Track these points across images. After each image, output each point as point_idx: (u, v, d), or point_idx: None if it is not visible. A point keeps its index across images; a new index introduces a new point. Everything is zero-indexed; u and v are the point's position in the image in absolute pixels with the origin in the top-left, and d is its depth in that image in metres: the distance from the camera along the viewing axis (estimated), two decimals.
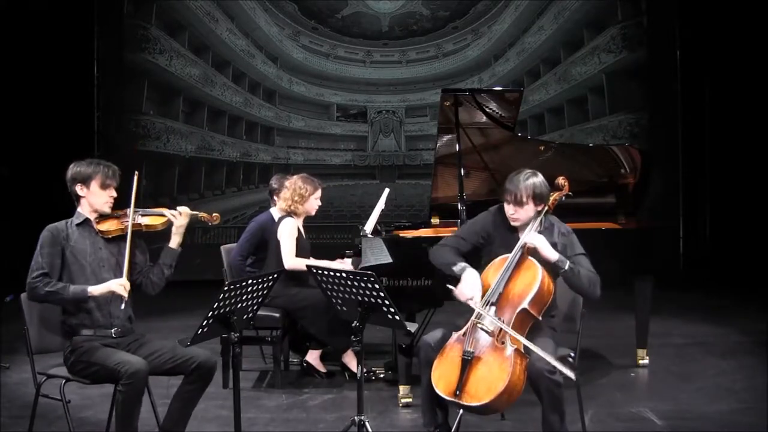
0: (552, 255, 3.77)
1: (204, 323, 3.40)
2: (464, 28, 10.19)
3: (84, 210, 3.85)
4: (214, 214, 4.06)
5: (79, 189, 3.83)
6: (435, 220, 5.62)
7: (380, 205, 5.66)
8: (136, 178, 3.91)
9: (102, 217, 3.87)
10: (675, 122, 9.76)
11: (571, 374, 3.53)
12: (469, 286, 3.77)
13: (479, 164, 5.51)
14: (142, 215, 3.88)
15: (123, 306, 3.70)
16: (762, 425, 4.39)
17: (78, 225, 3.82)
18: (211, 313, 3.40)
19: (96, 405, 4.67)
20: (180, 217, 3.89)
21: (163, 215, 3.90)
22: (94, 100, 9.68)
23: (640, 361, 5.61)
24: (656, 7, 9.85)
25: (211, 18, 10.01)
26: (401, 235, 5.43)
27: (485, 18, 10.16)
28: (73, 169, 3.86)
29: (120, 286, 3.67)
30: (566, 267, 3.77)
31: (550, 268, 3.80)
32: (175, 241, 3.91)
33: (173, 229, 3.90)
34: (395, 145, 10.29)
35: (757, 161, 8.80)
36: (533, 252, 3.79)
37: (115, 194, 3.87)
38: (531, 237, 3.80)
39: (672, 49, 9.74)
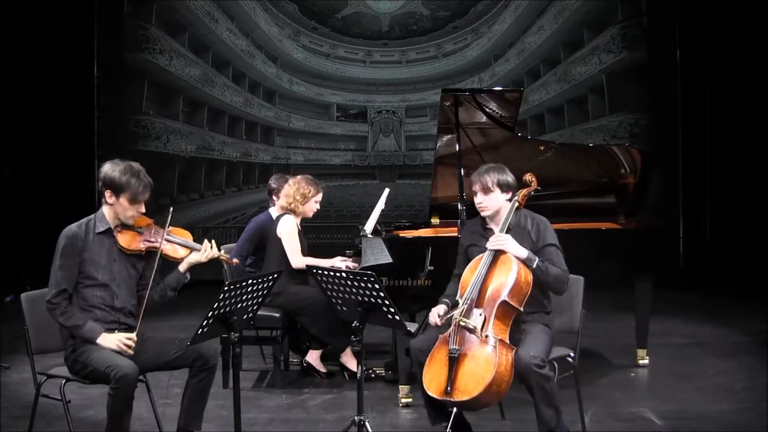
0: (521, 253, 3.83)
1: (204, 323, 3.40)
2: (464, 28, 10.19)
3: (108, 215, 3.76)
4: (234, 260, 3.99)
5: (108, 196, 3.73)
6: (435, 220, 5.62)
7: (380, 205, 5.66)
8: (171, 212, 3.80)
9: (124, 226, 3.78)
10: (675, 122, 9.75)
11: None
12: (432, 313, 3.93)
13: (479, 164, 5.49)
14: (168, 241, 3.77)
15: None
16: (762, 425, 4.40)
17: (98, 233, 3.74)
18: (211, 313, 3.40)
19: (96, 405, 4.66)
20: (202, 255, 3.78)
21: (187, 248, 3.80)
22: (94, 100, 9.68)
23: (640, 361, 5.61)
24: (656, 7, 9.85)
25: (211, 18, 10.01)
26: (401, 235, 5.43)
27: (485, 18, 10.16)
28: (107, 173, 3.71)
29: (126, 346, 3.63)
30: (534, 266, 3.82)
31: (531, 245, 3.89)
32: (183, 268, 3.82)
33: (189, 258, 3.80)
34: (395, 145, 10.29)
35: (757, 161, 8.80)
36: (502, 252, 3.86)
37: (143, 210, 3.77)
38: (496, 239, 3.85)
39: (672, 49, 9.74)
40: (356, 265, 5.20)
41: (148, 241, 3.78)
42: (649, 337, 5.62)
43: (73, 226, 3.75)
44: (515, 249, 3.82)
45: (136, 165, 3.76)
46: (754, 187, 8.84)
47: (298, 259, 5.23)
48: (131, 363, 3.58)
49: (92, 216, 3.80)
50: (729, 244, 9.13)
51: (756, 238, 8.72)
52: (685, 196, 9.82)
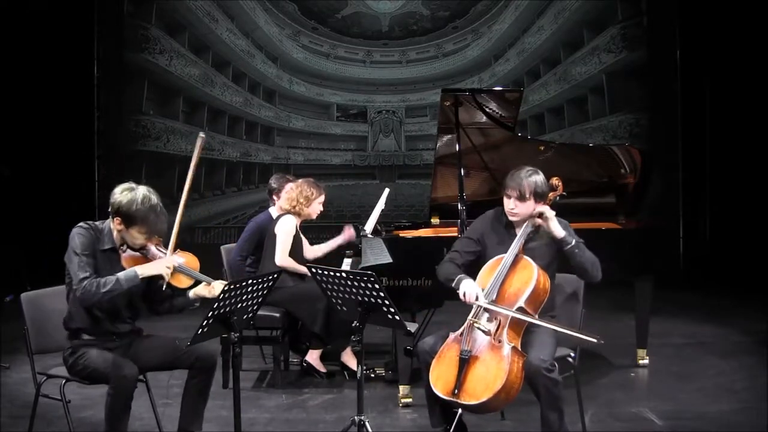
0: (559, 232, 3.88)
1: (204, 323, 3.40)
2: (464, 28, 10.18)
3: (115, 236, 3.68)
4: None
5: (117, 222, 3.63)
6: (435, 220, 5.62)
7: (380, 205, 5.67)
8: (201, 138, 3.88)
9: (129, 248, 3.72)
10: (675, 122, 9.75)
11: (593, 339, 3.60)
12: (471, 288, 3.80)
13: (479, 164, 5.50)
14: (178, 269, 3.71)
15: (164, 287, 3.66)
16: (762, 425, 4.40)
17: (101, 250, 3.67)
18: (211, 313, 3.40)
19: (96, 405, 4.65)
20: (209, 292, 3.73)
21: (190, 279, 3.76)
22: (94, 100, 9.68)
23: (640, 361, 5.62)
24: (656, 7, 9.84)
25: (211, 18, 10.01)
26: (401, 235, 5.43)
27: (485, 18, 10.15)
28: (122, 203, 3.58)
29: (167, 268, 3.60)
30: (573, 242, 3.86)
31: (553, 254, 3.89)
32: (193, 297, 3.80)
33: (200, 288, 3.76)
34: (395, 145, 10.29)
35: (757, 161, 8.79)
36: (540, 227, 3.90)
37: (153, 239, 3.72)
38: (543, 208, 3.89)
39: (672, 49, 9.74)
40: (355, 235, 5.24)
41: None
42: (649, 337, 5.62)
43: (84, 228, 3.65)
44: (555, 227, 3.88)
45: (154, 197, 3.62)
46: (754, 188, 8.83)
47: (283, 260, 5.27)
48: (131, 363, 3.58)
49: (100, 225, 3.71)
50: (729, 244, 9.13)
51: (756, 238, 8.72)
52: (685, 196, 9.81)
